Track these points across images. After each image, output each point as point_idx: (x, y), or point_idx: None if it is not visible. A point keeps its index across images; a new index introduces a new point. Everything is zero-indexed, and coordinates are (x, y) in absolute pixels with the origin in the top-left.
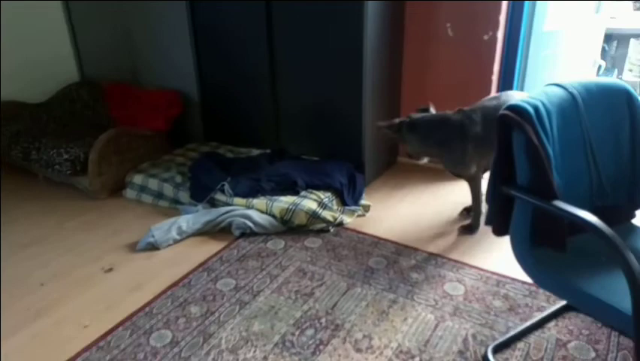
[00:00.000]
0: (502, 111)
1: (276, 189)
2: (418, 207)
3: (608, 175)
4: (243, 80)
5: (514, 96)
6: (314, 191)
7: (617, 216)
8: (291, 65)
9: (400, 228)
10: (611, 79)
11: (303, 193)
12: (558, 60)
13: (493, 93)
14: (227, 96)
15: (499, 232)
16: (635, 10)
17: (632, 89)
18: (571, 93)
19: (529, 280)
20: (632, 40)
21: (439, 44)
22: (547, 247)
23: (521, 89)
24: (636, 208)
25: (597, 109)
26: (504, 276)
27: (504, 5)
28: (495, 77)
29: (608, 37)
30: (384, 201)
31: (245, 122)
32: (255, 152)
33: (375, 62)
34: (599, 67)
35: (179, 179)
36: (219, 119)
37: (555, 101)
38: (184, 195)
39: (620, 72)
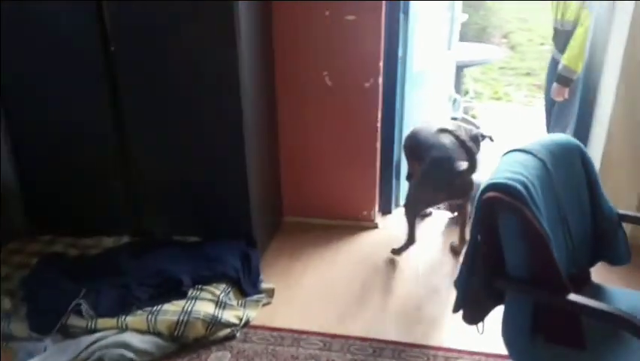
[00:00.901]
0: (487, 194)
1: (155, 295)
2: (325, 275)
3: (577, 240)
4: (77, 144)
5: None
6: (205, 287)
7: (583, 279)
8: (147, 117)
9: (316, 309)
10: (563, 135)
11: (192, 293)
12: (427, 99)
13: (378, 142)
14: (58, 169)
15: (473, 319)
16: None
17: (581, 145)
18: (541, 160)
19: None
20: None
21: (318, 95)
22: (558, 344)
23: (400, 133)
24: (592, 266)
25: (561, 171)
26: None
27: (382, 50)
28: (379, 125)
29: (459, 70)
30: (286, 277)
31: (87, 201)
32: (108, 242)
33: (256, 115)
34: (455, 100)
35: (7, 303)
36: (50, 202)
37: (533, 173)
38: (19, 327)
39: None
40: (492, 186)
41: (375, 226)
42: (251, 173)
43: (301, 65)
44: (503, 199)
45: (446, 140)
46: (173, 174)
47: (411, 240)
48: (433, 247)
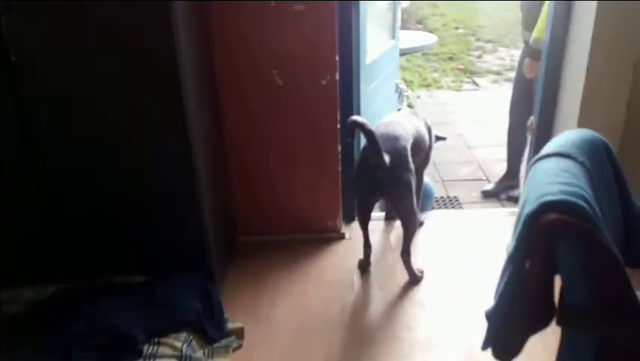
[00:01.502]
0: (544, 217)
1: (103, 359)
2: (299, 302)
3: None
4: None
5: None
6: (163, 340)
7: None
8: (62, 136)
9: (295, 348)
10: (586, 131)
11: (148, 350)
12: (379, 93)
13: (339, 145)
14: None
15: (509, 356)
16: None
17: (605, 139)
18: (582, 164)
19: None
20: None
21: (268, 97)
22: None
23: (358, 133)
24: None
25: (597, 173)
26: None
27: (337, 43)
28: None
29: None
30: (254, 310)
31: None
32: (29, 294)
33: (201, 123)
34: (400, 91)
35: None
36: None
37: (584, 182)
38: None
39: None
40: (548, 206)
41: (342, 236)
42: (202, 191)
43: (245, 65)
44: (568, 221)
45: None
46: (105, 200)
47: (367, 246)
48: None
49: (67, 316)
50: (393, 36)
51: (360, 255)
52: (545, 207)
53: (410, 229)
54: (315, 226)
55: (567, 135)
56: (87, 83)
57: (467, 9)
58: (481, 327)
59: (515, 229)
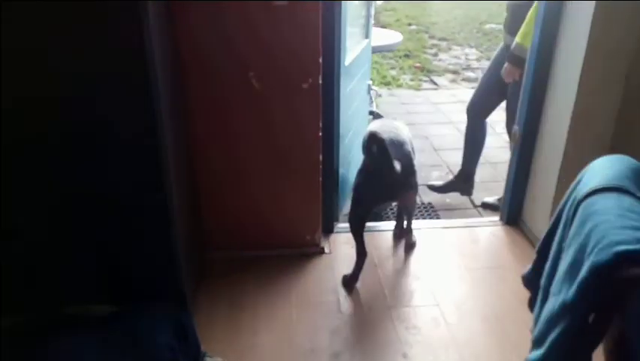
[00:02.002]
0: (623, 271)
1: None
2: (283, 327)
3: None
4: None
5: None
6: None
7: None
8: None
9: None
10: (624, 158)
11: None
12: (355, 94)
13: (321, 154)
14: None
15: None
16: None
17: None
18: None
19: None
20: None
21: (244, 102)
22: None
23: (339, 138)
24: None
25: None
26: None
27: (321, 42)
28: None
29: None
30: (235, 339)
31: None
32: None
33: (171, 131)
34: (371, 91)
35: None
36: None
37: None
38: None
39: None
40: (624, 257)
41: (322, 251)
42: (173, 203)
43: (219, 67)
44: None
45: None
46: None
47: (361, 255)
48: (392, 267)
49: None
50: (367, 35)
51: (343, 270)
52: (620, 259)
53: (413, 216)
54: (292, 241)
55: (609, 164)
56: (47, 84)
57: (418, 5)
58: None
59: (571, 275)
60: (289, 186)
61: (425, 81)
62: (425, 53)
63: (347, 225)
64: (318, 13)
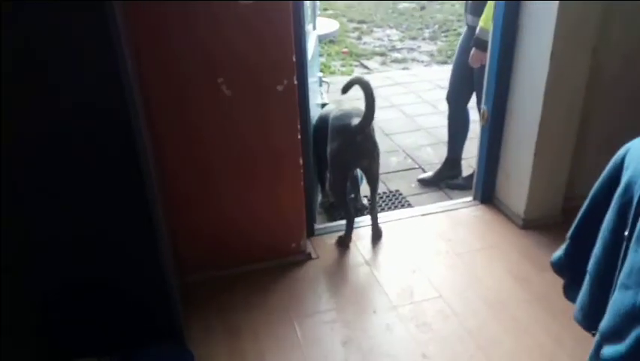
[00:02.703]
0: None
1: None
2: (291, 354)
3: None
4: None
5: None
6: None
7: None
8: None
9: None
10: None
11: None
12: (312, 88)
13: (301, 157)
14: None
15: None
16: None
17: None
18: None
19: None
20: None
21: (214, 110)
22: None
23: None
24: None
25: None
26: None
27: (294, 40)
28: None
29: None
30: None
31: None
32: None
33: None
34: (322, 83)
35: None
36: None
37: None
38: None
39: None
40: None
41: (309, 257)
42: (160, 233)
43: (183, 75)
44: None
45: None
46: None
47: (350, 215)
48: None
49: None
50: (315, 26)
51: (336, 275)
52: None
53: (377, 188)
54: (277, 251)
55: None
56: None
57: None
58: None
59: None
60: (270, 194)
61: (356, 66)
62: (348, 37)
63: (325, 225)
64: (290, 10)
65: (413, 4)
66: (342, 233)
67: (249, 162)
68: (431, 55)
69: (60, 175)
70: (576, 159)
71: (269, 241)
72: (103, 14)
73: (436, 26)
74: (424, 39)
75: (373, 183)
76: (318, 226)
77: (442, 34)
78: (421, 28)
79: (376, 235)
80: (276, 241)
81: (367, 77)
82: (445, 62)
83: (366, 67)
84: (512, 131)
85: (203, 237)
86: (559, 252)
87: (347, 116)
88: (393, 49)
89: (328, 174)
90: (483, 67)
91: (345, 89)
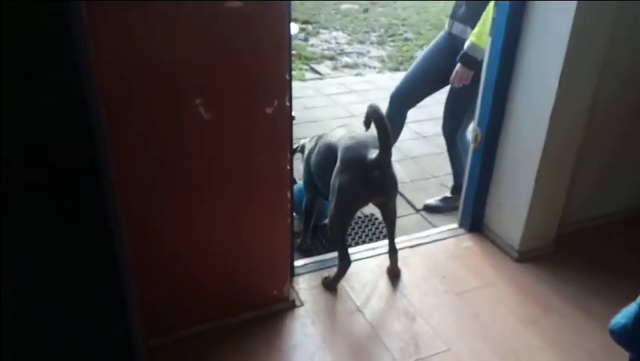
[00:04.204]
0: None
1: None
2: None
3: None
4: None
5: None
6: None
7: None
8: None
9: None
10: None
11: None
12: None
13: (289, 192)
14: None
15: None
16: None
17: None
18: None
19: None
20: None
21: (190, 136)
22: None
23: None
24: None
25: None
26: None
27: (288, 55)
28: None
29: None
30: None
31: None
32: None
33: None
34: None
35: None
36: None
37: None
38: None
39: None
40: None
41: (293, 304)
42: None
43: (151, 93)
44: None
45: (350, 138)
46: None
47: (346, 261)
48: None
49: None
50: None
51: (326, 325)
52: None
53: (394, 228)
54: (257, 300)
55: None
56: None
57: None
58: None
59: None
60: (253, 234)
61: (307, 70)
62: (295, 38)
63: (304, 261)
64: (285, 17)
65: (356, 6)
66: (325, 270)
67: (228, 198)
68: (382, 60)
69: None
70: (571, 185)
71: (247, 288)
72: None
73: (382, 30)
74: (372, 43)
75: (391, 223)
76: (297, 263)
77: (389, 39)
78: (367, 32)
79: (395, 276)
80: (255, 289)
81: (320, 83)
82: (397, 69)
83: (317, 72)
84: (508, 156)
85: (172, 287)
86: (621, 319)
87: (362, 146)
88: (343, 52)
89: (331, 210)
90: (463, 88)
91: (367, 124)
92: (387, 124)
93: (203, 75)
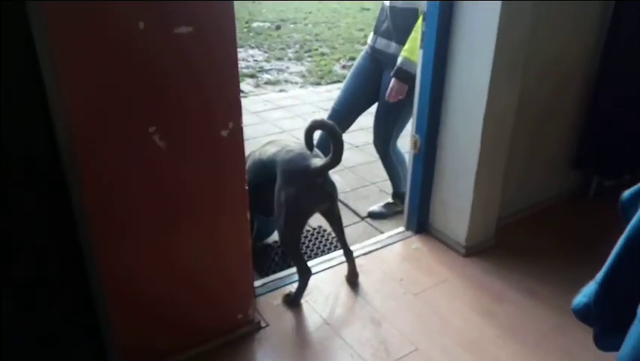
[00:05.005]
0: None
1: None
2: None
3: None
4: None
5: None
6: None
7: None
8: None
9: None
10: None
11: None
12: None
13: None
14: None
15: None
16: None
17: None
18: None
19: None
20: None
21: (144, 167)
22: None
23: None
24: None
25: None
26: None
27: (239, 76)
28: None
29: None
30: None
31: None
32: None
33: None
34: None
35: None
36: None
37: None
38: None
39: None
40: None
41: (259, 326)
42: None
43: (102, 125)
44: None
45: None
46: None
47: (306, 272)
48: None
49: None
50: None
51: (296, 345)
52: None
53: (343, 230)
54: (220, 326)
55: None
56: None
57: None
58: None
59: None
60: (215, 258)
61: None
62: None
63: (262, 282)
64: (234, 37)
65: (267, 24)
66: (285, 288)
67: (189, 224)
68: (302, 76)
69: None
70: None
71: (210, 316)
72: None
73: (297, 46)
74: (289, 59)
75: (339, 225)
76: (255, 283)
77: (306, 54)
78: (283, 48)
79: (353, 278)
80: (218, 315)
81: (245, 101)
82: (318, 84)
83: (241, 90)
84: (447, 159)
85: (142, 320)
86: (582, 298)
87: (302, 157)
88: (262, 70)
89: (280, 226)
90: (392, 102)
91: (309, 136)
92: (339, 133)
93: (156, 103)
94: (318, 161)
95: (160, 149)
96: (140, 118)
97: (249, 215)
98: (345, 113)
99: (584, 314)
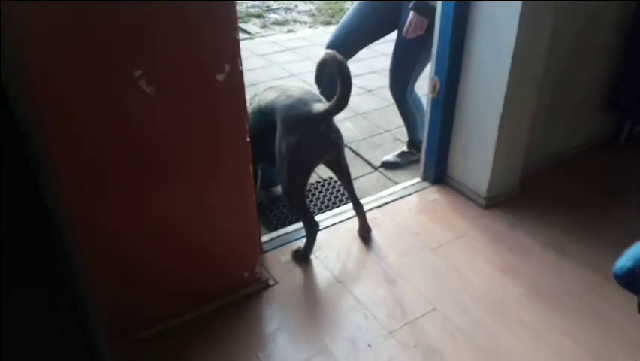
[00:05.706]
0: None
1: None
2: None
3: None
4: None
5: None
6: None
7: None
8: None
9: None
10: None
11: None
12: None
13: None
14: None
15: None
16: None
17: None
18: None
19: None
20: None
21: (130, 117)
22: None
23: None
24: None
25: None
26: None
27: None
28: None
29: None
30: None
31: None
32: None
33: None
34: None
35: None
36: None
37: None
38: None
39: None
40: None
41: (266, 284)
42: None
43: (84, 66)
44: None
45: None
46: None
47: (313, 226)
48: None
49: None
50: None
51: (308, 302)
52: None
53: (352, 181)
54: (227, 285)
55: None
56: None
57: None
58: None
59: None
60: (219, 213)
61: None
62: None
63: (270, 236)
64: None
65: None
66: (294, 243)
67: (189, 178)
68: (312, 15)
69: None
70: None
71: (216, 274)
72: None
73: None
74: None
75: (347, 177)
76: (263, 238)
77: None
78: None
79: (365, 233)
80: (225, 273)
81: (252, 43)
82: (329, 23)
83: (246, 31)
84: (469, 103)
85: (143, 283)
86: (626, 262)
87: (302, 102)
88: (270, 9)
89: (283, 178)
90: (409, 42)
91: (320, 73)
92: (349, 72)
93: (139, 42)
94: (320, 106)
95: (148, 95)
96: (123, 60)
97: (251, 168)
98: (348, 39)
99: (628, 280)
